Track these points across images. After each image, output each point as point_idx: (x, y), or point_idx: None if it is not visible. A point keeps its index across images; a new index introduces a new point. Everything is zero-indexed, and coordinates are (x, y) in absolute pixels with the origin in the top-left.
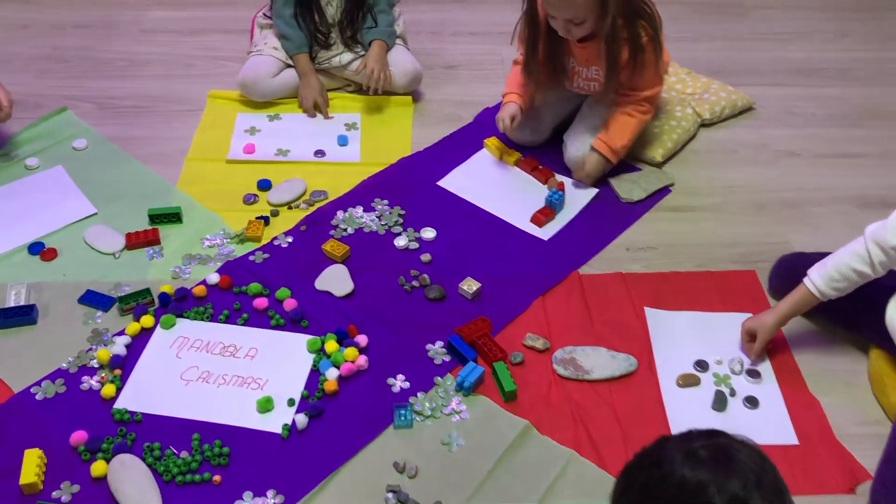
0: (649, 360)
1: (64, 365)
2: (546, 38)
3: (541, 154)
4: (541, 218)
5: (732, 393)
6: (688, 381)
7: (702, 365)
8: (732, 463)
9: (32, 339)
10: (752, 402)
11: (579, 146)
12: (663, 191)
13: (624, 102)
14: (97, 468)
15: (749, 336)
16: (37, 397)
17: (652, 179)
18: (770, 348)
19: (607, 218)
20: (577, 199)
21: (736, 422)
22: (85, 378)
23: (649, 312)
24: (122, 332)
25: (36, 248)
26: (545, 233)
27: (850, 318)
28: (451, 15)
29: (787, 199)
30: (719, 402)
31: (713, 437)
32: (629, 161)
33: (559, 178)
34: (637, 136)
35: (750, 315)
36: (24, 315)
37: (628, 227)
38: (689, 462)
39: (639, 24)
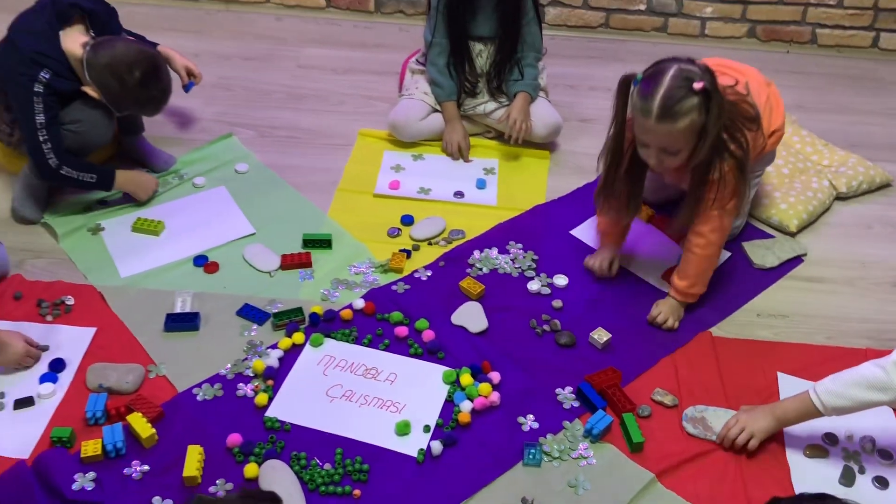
0: (779, 432)
1: (222, 371)
2: (630, 164)
3: (670, 211)
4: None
5: (862, 470)
6: (815, 453)
7: (831, 438)
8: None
9: (194, 343)
10: (881, 482)
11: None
12: (796, 260)
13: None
14: (250, 470)
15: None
16: (197, 398)
17: (785, 248)
18: None
19: (739, 282)
20: None
21: (864, 498)
22: (240, 385)
23: (782, 378)
24: (275, 346)
25: (200, 261)
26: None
27: None
28: (589, 70)
29: None
30: (847, 477)
31: (822, 500)
32: (762, 227)
33: None
34: (708, 269)
35: None
36: (189, 321)
37: (760, 294)
38: None
39: (727, 158)
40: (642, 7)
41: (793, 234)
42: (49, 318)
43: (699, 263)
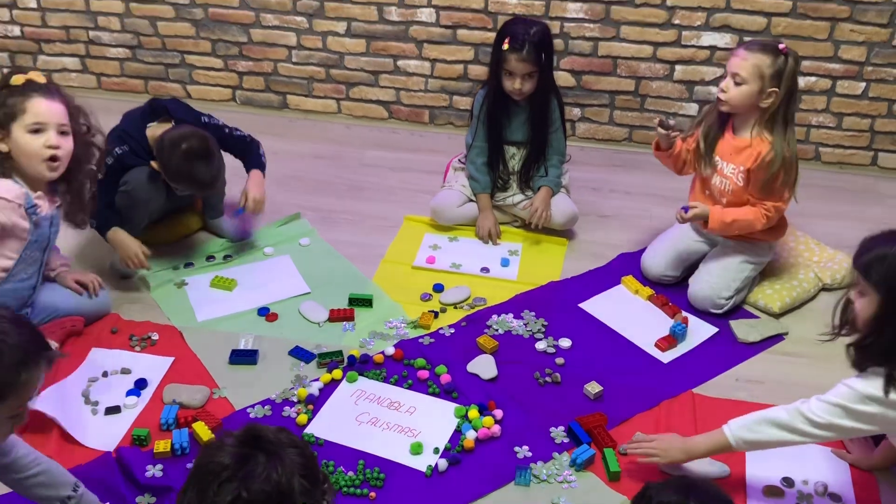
0: (741, 471)
1: (272, 396)
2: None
3: (670, 293)
4: (663, 345)
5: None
6: (772, 492)
7: (788, 482)
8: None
9: (252, 374)
10: None
11: (701, 286)
12: (777, 337)
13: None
14: None
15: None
16: (250, 416)
17: (769, 327)
18: (858, 479)
19: (723, 353)
20: (698, 334)
21: None
22: (286, 408)
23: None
24: (317, 379)
25: (263, 311)
26: (666, 357)
27: None
28: (612, 176)
29: None
30: None
31: (686, 486)
32: (749, 309)
33: (685, 314)
34: (743, 225)
35: (841, 451)
36: (249, 356)
37: (741, 363)
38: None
39: (786, 134)
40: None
41: (776, 316)
42: (137, 348)
43: (739, 210)
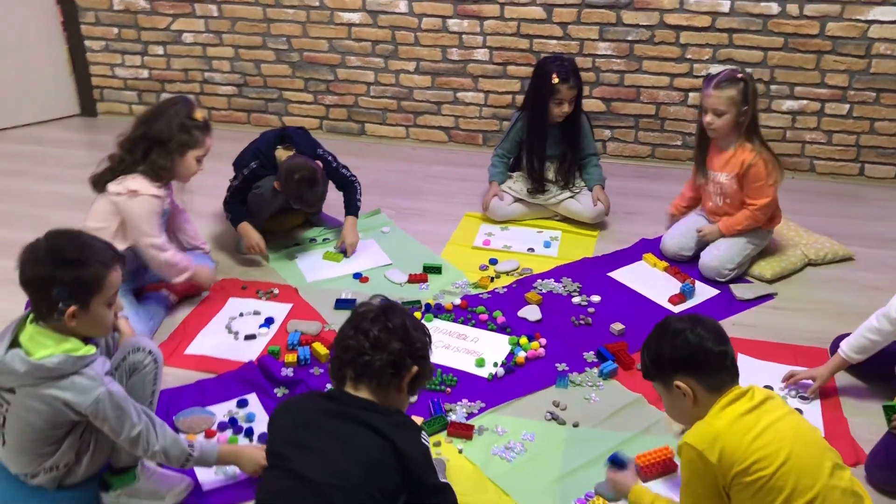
0: None
1: None
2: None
3: (682, 266)
4: (675, 300)
5: None
6: None
7: (768, 388)
8: (704, 321)
9: None
10: (798, 412)
11: (710, 258)
12: (768, 297)
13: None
14: None
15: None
16: None
17: (762, 288)
18: (823, 387)
19: (724, 307)
20: (703, 294)
21: None
22: None
23: (741, 357)
24: None
25: (357, 276)
26: (676, 309)
27: (881, 373)
28: (638, 185)
29: (864, 312)
30: None
31: (694, 315)
32: (747, 278)
33: (693, 278)
34: (748, 226)
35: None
36: (350, 303)
37: (738, 314)
38: (678, 320)
39: (759, 139)
40: (679, 143)
41: (769, 282)
42: (263, 299)
43: (738, 218)
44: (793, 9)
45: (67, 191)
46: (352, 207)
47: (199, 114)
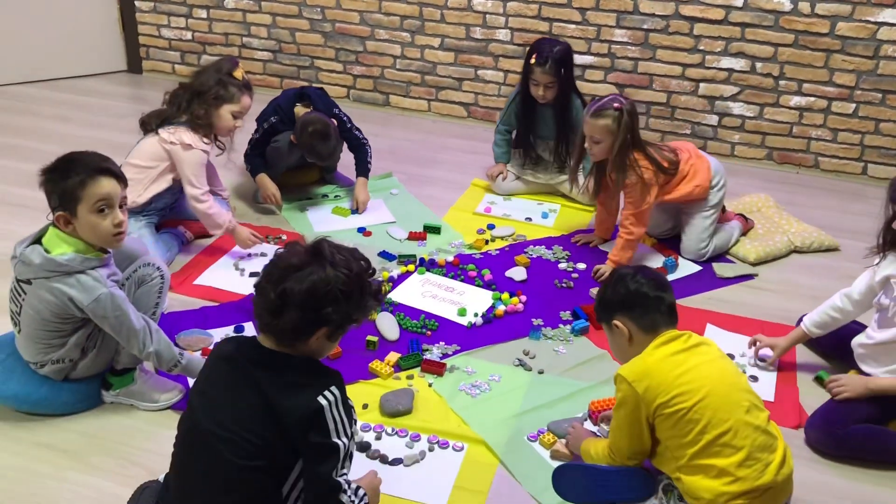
0: None
1: None
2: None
3: (668, 242)
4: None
5: (744, 371)
6: None
7: (730, 356)
8: (647, 270)
9: None
10: (753, 378)
11: (685, 244)
12: (749, 277)
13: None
14: (373, 315)
15: (762, 347)
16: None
17: (743, 268)
18: (782, 360)
19: (703, 283)
20: (686, 268)
21: None
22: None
23: (709, 327)
24: (398, 270)
25: (361, 230)
26: None
27: (839, 351)
28: None
29: None
30: None
31: (638, 265)
32: (730, 258)
33: (677, 255)
34: (632, 247)
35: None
36: None
37: (716, 289)
38: (623, 270)
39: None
40: (688, 131)
41: (752, 265)
42: (271, 243)
43: (623, 246)
44: (804, 7)
45: (106, 137)
46: (363, 168)
47: (239, 72)
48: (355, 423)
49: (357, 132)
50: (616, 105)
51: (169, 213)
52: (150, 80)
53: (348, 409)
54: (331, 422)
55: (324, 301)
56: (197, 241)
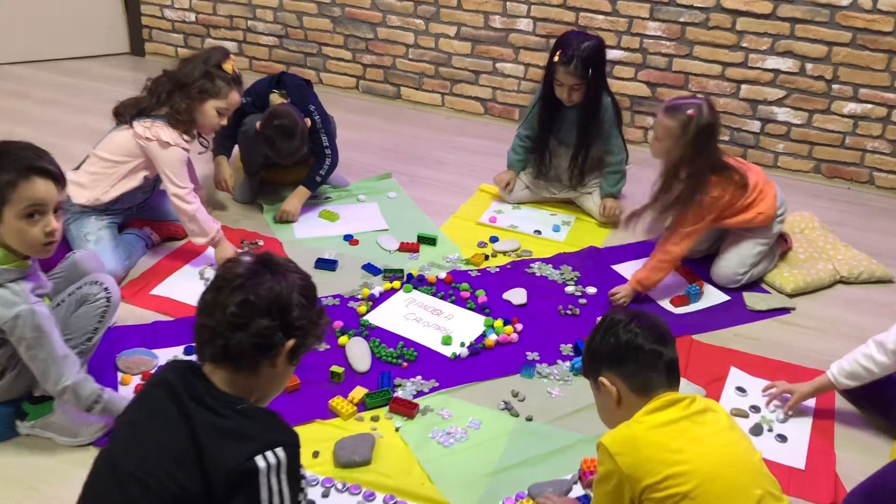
0: (716, 397)
1: (343, 293)
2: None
3: (694, 265)
4: (676, 301)
5: (770, 429)
6: (737, 413)
7: (755, 409)
8: (646, 317)
9: (331, 276)
10: (781, 438)
11: (720, 268)
12: (784, 311)
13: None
14: (343, 340)
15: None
16: (324, 303)
17: (778, 300)
18: (815, 412)
19: (730, 315)
20: (712, 298)
21: (765, 445)
22: (351, 301)
23: (734, 371)
24: (381, 287)
25: (348, 237)
26: (677, 311)
27: (888, 409)
28: None
29: None
30: (755, 429)
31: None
32: (765, 287)
33: (702, 280)
34: (664, 269)
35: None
36: (330, 264)
37: (744, 324)
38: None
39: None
40: (726, 138)
41: (789, 296)
42: (245, 248)
43: (655, 267)
44: (866, 2)
45: (95, 124)
46: (310, 180)
47: (230, 65)
48: (304, 498)
49: (325, 138)
50: (690, 112)
51: (136, 212)
52: (152, 63)
53: (294, 480)
54: (264, 491)
55: (289, 305)
56: (165, 243)
